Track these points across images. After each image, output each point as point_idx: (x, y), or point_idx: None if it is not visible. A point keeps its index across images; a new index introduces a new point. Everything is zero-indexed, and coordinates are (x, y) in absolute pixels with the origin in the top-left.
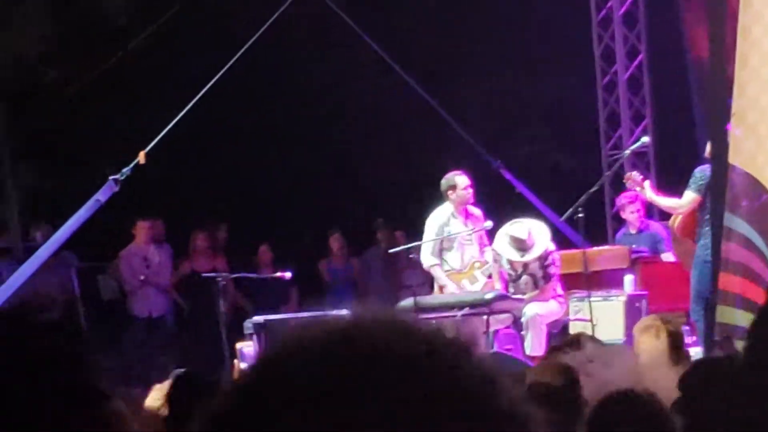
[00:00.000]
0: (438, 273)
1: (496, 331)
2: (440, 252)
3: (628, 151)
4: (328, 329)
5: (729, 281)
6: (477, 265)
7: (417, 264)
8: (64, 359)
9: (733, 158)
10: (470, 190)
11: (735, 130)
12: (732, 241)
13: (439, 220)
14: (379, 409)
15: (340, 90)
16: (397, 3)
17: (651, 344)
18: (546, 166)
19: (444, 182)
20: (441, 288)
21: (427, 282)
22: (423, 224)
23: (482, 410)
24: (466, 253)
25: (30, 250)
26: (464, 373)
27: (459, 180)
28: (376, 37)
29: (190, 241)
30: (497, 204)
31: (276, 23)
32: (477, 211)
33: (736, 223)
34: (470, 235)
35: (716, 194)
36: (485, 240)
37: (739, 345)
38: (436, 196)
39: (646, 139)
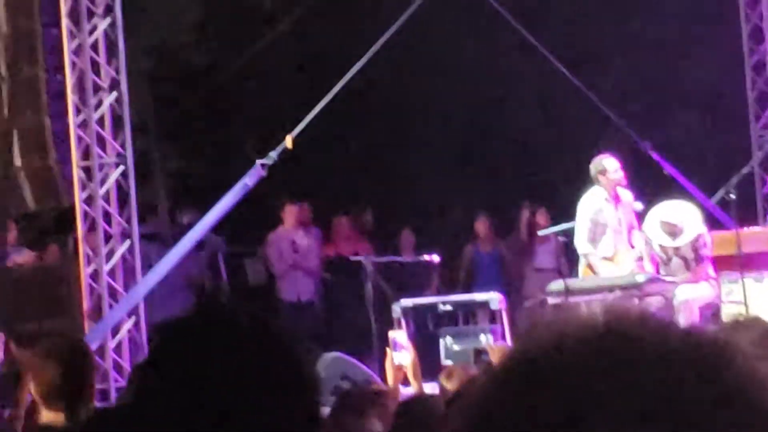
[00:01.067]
0: (593, 260)
1: None
2: (593, 238)
3: None
4: (589, 327)
5: None
6: (625, 250)
7: (552, 247)
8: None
9: None
10: (621, 173)
11: None
12: None
13: (593, 205)
14: (676, 410)
15: (486, 72)
16: None
17: None
18: (695, 148)
19: (593, 166)
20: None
21: (560, 265)
22: (571, 207)
23: (762, 411)
24: (618, 240)
25: (178, 235)
26: (739, 374)
27: (609, 163)
28: (523, 20)
29: (333, 225)
30: (647, 186)
31: (424, 4)
32: (628, 195)
33: None
34: (622, 219)
35: None
36: (635, 223)
37: None
38: (584, 179)
39: None
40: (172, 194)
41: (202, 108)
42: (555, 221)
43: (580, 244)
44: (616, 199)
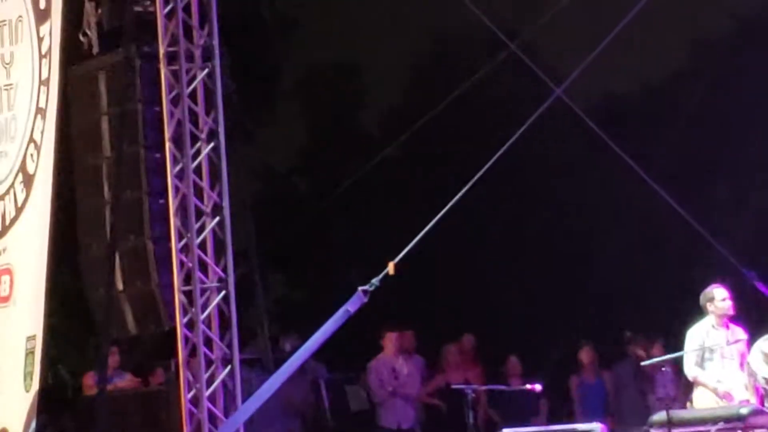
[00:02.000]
0: (704, 379)
1: None
2: (702, 362)
3: None
4: None
5: None
6: (735, 378)
7: (669, 377)
8: None
9: None
10: (729, 302)
11: None
12: None
13: (700, 331)
14: None
15: (590, 202)
16: (646, 113)
17: None
18: None
19: (702, 296)
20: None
21: (680, 395)
22: (675, 337)
23: None
24: (726, 368)
25: (279, 361)
26: None
27: (717, 292)
28: (627, 149)
29: (442, 353)
30: (755, 319)
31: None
32: (740, 331)
33: None
34: (731, 349)
35: None
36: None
37: None
38: (691, 309)
39: None
40: (275, 320)
41: (305, 234)
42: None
43: (689, 369)
44: (726, 327)
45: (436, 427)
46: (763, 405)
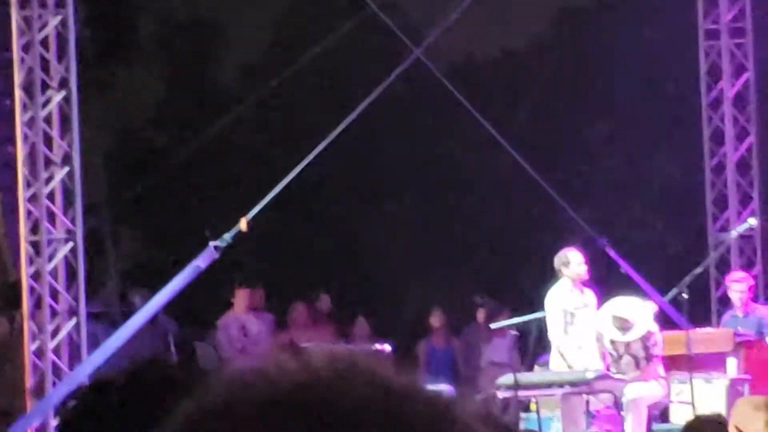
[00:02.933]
0: (566, 350)
1: (596, 411)
2: (564, 328)
3: (734, 233)
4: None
5: None
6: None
7: (508, 342)
8: None
9: None
10: (584, 266)
11: None
12: None
13: (560, 296)
14: None
15: (445, 161)
16: (506, 79)
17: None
18: (653, 247)
19: (557, 259)
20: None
21: (528, 359)
22: (530, 301)
23: None
24: (582, 331)
25: (127, 315)
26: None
27: (573, 256)
28: (492, 117)
29: (289, 311)
30: (602, 284)
31: (386, 91)
32: (591, 294)
33: None
34: (582, 310)
35: None
36: None
37: None
38: (542, 273)
39: (752, 221)
40: (126, 275)
41: (160, 189)
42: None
43: (554, 335)
44: (581, 292)
45: None
46: (608, 370)
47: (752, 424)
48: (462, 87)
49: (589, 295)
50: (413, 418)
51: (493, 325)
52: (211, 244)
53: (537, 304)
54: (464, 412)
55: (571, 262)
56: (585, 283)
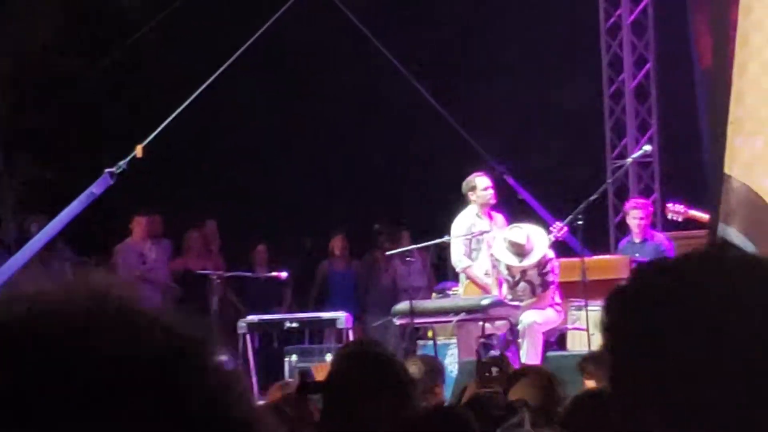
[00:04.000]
0: (473, 273)
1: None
2: (470, 253)
3: (630, 160)
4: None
5: None
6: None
7: (417, 267)
8: None
9: (730, 167)
10: (491, 191)
11: (733, 139)
12: None
13: (466, 221)
14: None
15: (348, 90)
16: (407, 9)
17: None
18: (553, 174)
19: (464, 184)
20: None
21: (428, 286)
22: (429, 226)
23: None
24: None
25: (24, 242)
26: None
27: (479, 181)
28: (387, 41)
29: (184, 239)
30: (502, 210)
31: (284, 21)
32: (500, 217)
33: (732, 234)
34: (492, 236)
35: (712, 205)
36: None
37: None
38: (446, 199)
39: (648, 147)
40: (22, 202)
41: (59, 115)
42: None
43: (456, 259)
44: (489, 217)
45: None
46: (504, 296)
47: None
48: (367, 16)
49: (499, 220)
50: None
51: (388, 252)
52: (107, 170)
53: (441, 231)
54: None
55: (477, 186)
56: (495, 209)
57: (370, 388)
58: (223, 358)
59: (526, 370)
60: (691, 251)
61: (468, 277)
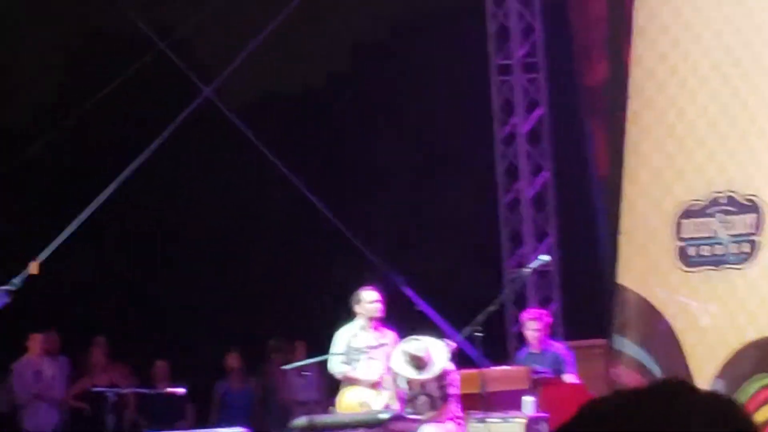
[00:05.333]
0: (352, 374)
1: None
2: (348, 362)
3: (528, 270)
4: None
5: None
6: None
7: (313, 381)
8: None
9: (623, 277)
10: (378, 305)
11: (625, 249)
12: (623, 364)
13: (348, 333)
14: None
15: (239, 201)
16: (292, 112)
17: None
18: (449, 284)
19: (352, 297)
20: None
21: (324, 399)
22: (325, 340)
23: None
24: (373, 368)
25: None
26: None
27: (365, 294)
28: (277, 149)
29: (89, 354)
30: (399, 322)
31: (179, 131)
32: (390, 334)
33: (627, 345)
34: (377, 350)
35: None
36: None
37: None
38: (339, 312)
39: (546, 257)
40: None
41: None
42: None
43: (334, 366)
44: (377, 330)
45: (78, 431)
46: (404, 410)
47: None
48: (259, 124)
49: (388, 336)
50: None
51: (284, 367)
52: (0, 288)
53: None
54: None
55: (363, 300)
56: (384, 324)
57: None
58: None
59: None
60: (624, 393)
61: (348, 379)
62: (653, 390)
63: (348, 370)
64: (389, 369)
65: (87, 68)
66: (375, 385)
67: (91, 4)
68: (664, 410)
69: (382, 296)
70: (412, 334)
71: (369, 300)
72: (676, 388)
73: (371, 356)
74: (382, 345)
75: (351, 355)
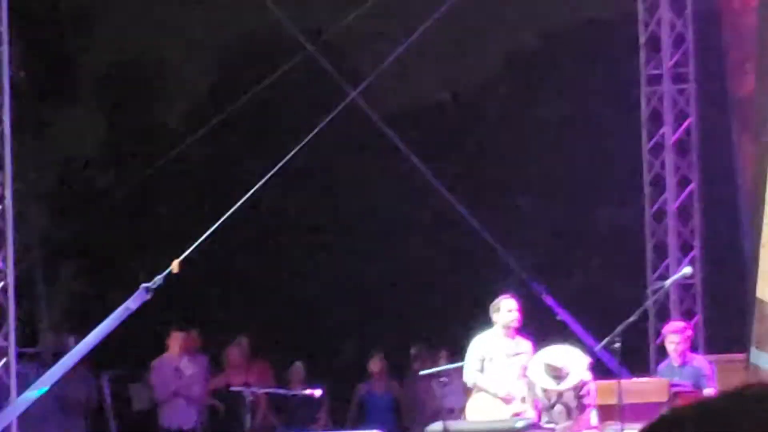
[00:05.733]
0: (483, 384)
1: None
2: (481, 370)
3: (668, 282)
4: None
5: None
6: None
7: (455, 388)
8: None
9: (763, 291)
10: (516, 314)
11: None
12: (761, 378)
13: (483, 340)
14: None
15: (384, 206)
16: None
17: None
18: (594, 295)
19: (491, 306)
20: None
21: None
22: (466, 348)
23: None
24: (508, 379)
25: (60, 356)
26: None
27: (504, 303)
28: (427, 157)
29: (225, 354)
30: (541, 331)
31: (325, 133)
32: (526, 343)
33: (765, 360)
34: (514, 361)
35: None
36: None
37: None
38: (482, 320)
39: (688, 270)
40: (65, 315)
41: (100, 228)
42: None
43: (467, 375)
44: (513, 339)
45: (215, 429)
46: (540, 419)
47: None
48: (405, 129)
49: (524, 345)
50: None
51: (421, 372)
52: (143, 286)
53: None
54: None
55: (502, 309)
56: (521, 333)
57: None
58: None
59: None
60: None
61: (478, 389)
62: (737, 394)
63: (480, 379)
64: (526, 378)
65: (239, 68)
66: (506, 400)
67: (244, 7)
68: (744, 414)
69: (521, 305)
70: (551, 344)
71: (507, 309)
72: (761, 393)
73: (506, 366)
74: (517, 354)
75: (485, 363)
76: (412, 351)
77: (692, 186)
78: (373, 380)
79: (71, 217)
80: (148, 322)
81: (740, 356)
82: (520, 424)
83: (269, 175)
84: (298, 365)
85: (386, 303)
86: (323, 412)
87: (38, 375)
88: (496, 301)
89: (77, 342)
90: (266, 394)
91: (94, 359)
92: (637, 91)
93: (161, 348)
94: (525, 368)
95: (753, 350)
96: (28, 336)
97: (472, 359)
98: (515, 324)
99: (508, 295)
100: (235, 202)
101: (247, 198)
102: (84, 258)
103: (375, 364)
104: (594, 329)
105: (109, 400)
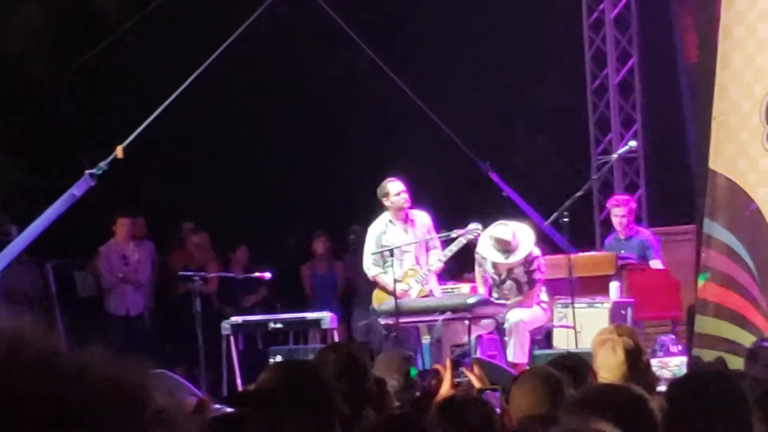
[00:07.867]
0: (383, 281)
1: (480, 337)
2: (382, 264)
3: (615, 156)
4: None
5: (708, 289)
6: (410, 273)
7: None
8: None
9: (714, 162)
10: (404, 195)
11: (717, 134)
12: (712, 248)
13: (377, 230)
14: None
15: (328, 89)
16: (390, 5)
17: (608, 359)
18: (537, 171)
19: (378, 190)
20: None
21: None
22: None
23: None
24: (405, 262)
25: (4, 246)
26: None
27: (391, 186)
28: (368, 37)
29: (183, 236)
30: (486, 208)
31: (264, 18)
32: (421, 216)
33: (717, 230)
34: (407, 249)
35: (697, 201)
36: (436, 243)
37: (726, 357)
38: (430, 196)
39: (633, 143)
40: (7, 205)
41: (38, 117)
42: None
43: (367, 268)
44: (406, 220)
45: (164, 314)
46: (490, 295)
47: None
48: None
49: (419, 218)
50: (78, 405)
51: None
52: (87, 172)
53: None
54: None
55: (390, 192)
56: (417, 207)
57: (291, 399)
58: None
59: (527, 374)
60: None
61: (379, 283)
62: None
63: (378, 273)
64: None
65: None
66: (403, 296)
67: None
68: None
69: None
70: (499, 220)
71: (395, 191)
72: None
73: (403, 250)
74: (413, 243)
75: (384, 253)
76: (351, 237)
77: (632, 60)
78: (317, 261)
79: (11, 107)
80: (94, 209)
81: (685, 228)
82: (471, 300)
83: (209, 60)
84: (242, 249)
85: (330, 183)
86: (263, 291)
87: None
88: (382, 185)
89: (20, 232)
90: (215, 278)
91: (38, 249)
92: None
93: (105, 236)
94: (425, 245)
95: (706, 221)
96: None
97: (369, 249)
98: (406, 205)
99: (393, 178)
100: (174, 89)
101: (190, 83)
102: (25, 148)
103: (319, 245)
104: (540, 206)
105: (54, 289)
